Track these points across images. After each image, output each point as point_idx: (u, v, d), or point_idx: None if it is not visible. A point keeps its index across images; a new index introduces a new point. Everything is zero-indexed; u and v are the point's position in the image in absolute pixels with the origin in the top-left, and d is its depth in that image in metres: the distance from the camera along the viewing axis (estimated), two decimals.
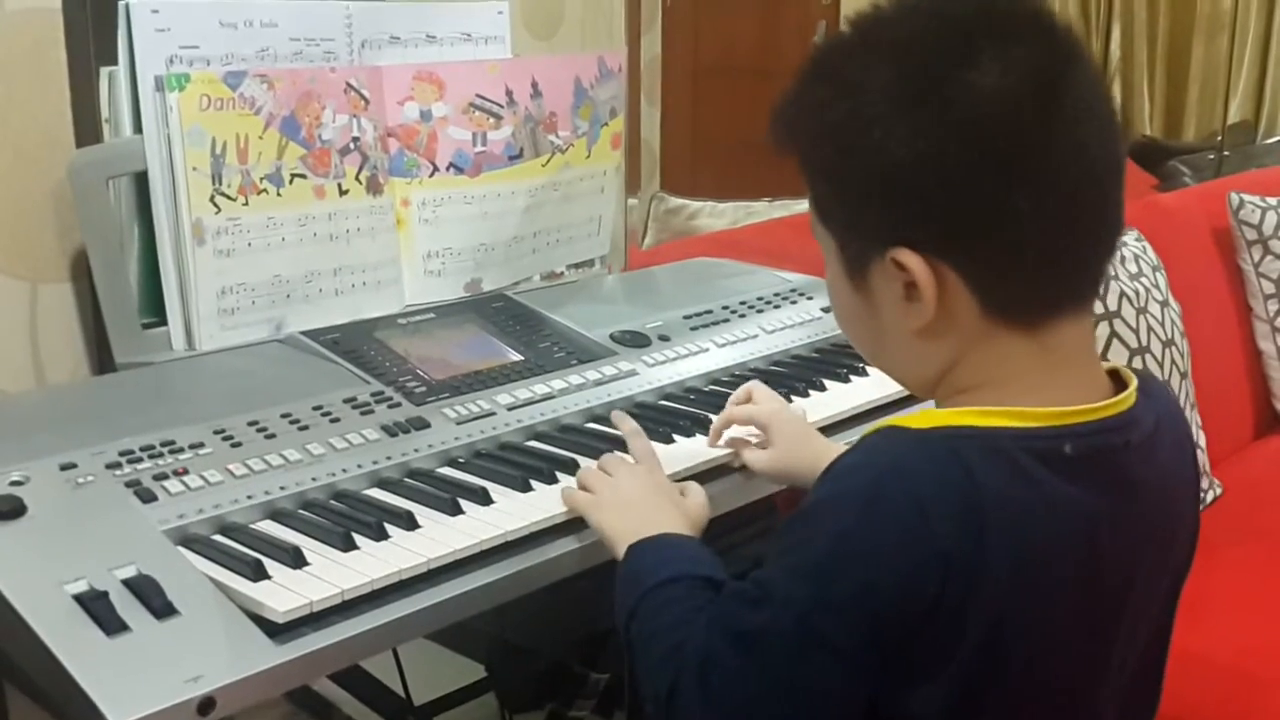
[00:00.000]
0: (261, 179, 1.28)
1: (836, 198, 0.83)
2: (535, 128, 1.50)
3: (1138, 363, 1.73)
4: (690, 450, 1.18)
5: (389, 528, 0.98)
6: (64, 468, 0.98)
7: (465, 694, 1.66)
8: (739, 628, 0.80)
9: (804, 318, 1.52)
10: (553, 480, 1.08)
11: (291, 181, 1.31)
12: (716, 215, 3.18)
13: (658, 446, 1.16)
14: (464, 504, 1.03)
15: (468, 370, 1.26)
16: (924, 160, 0.76)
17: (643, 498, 1.02)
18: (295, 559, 0.92)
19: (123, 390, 1.21)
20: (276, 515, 1.01)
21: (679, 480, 1.10)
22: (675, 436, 1.20)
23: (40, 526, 0.92)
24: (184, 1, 1.26)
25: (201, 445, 1.04)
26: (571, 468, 1.10)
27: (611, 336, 1.39)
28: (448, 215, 1.44)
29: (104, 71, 1.26)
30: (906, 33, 0.79)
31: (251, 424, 1.08)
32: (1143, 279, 1.83)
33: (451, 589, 0.95)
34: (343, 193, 1.35)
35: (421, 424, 1.15)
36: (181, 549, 0.93)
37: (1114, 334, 1.72)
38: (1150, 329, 1.77)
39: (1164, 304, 1.84)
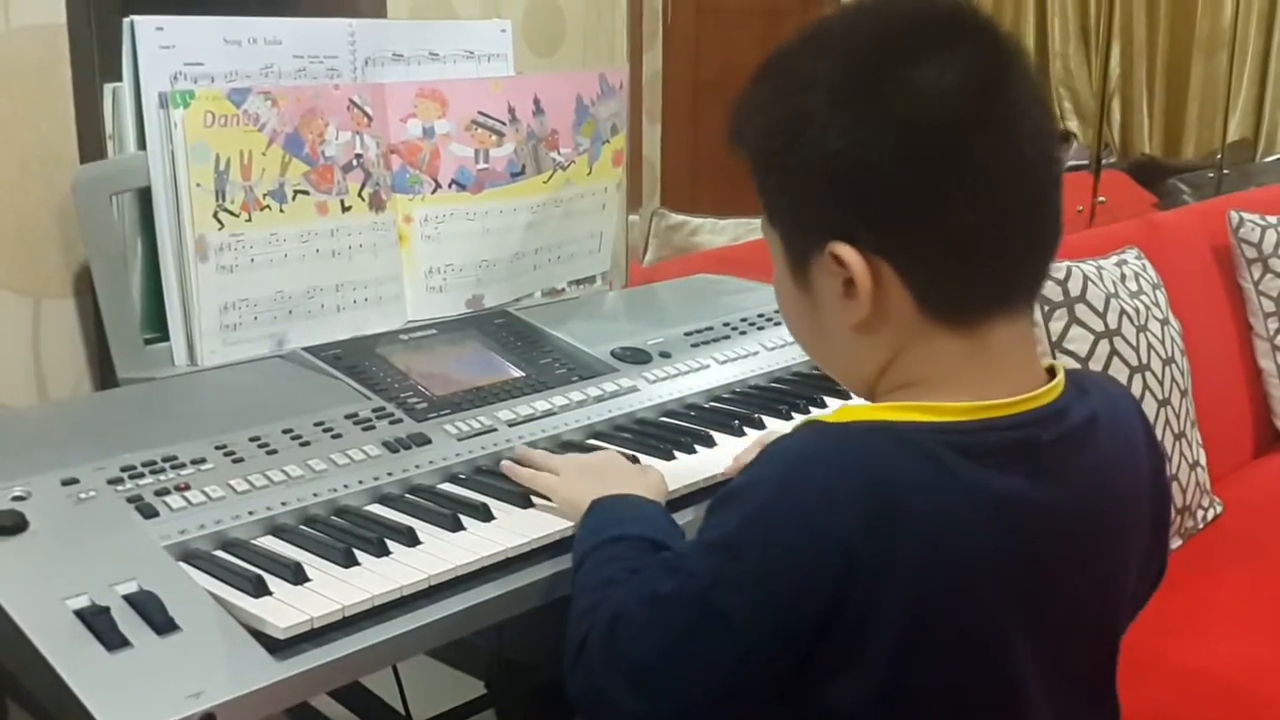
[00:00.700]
0: (265, 195, 1.28)
1: (779, 193, 0.85)
2: (537, 145, 1.51)
3: (1138, 380, 1.73)
4: (691, 467, 1.18)
5: (390, 544, 0.98)
6: (66, 483, 0.98)
7: (465, 711, 1.66)
8: (652, 590, 0.83)
9: None
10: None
11: (294, 198, 1.31)
12: (717, 232, 3.19)
13: (659, 463, 1.16)
14: (465, 520, 1.04)
15: (469, 386, 1.26)
16: (860, 154, 0.78)
17: (606, 466, 1.07)
18: (296, 575, 0.92)
19: (125, 405, 1.21)
20: (278, 531, 1.01)
21: (678, 498, 1.10)
22: (676, 453, 1.20)
23: (42, 542, 0.92)
24: (188, 19, 1.27)
25: (203, 461, 1.04)
26: None
27: (612, 353, 1.39)
28: (450, 232, 1.45)
29: (108, 88, 1.26)
30: (849, 33, 0.82)
31: (253, 440, 1.08)
32: (1143, 297, 1.83)
33: (452, 605, 0.95)
34: (345, 209, 1.36)
35: (423, 440, 1.15)
36: (183, 565, 0.93)
37: (1114, 351, 1.72)
38: (1150, 347, 1.77)
39: (1164, 322, 1.84)
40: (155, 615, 0.85)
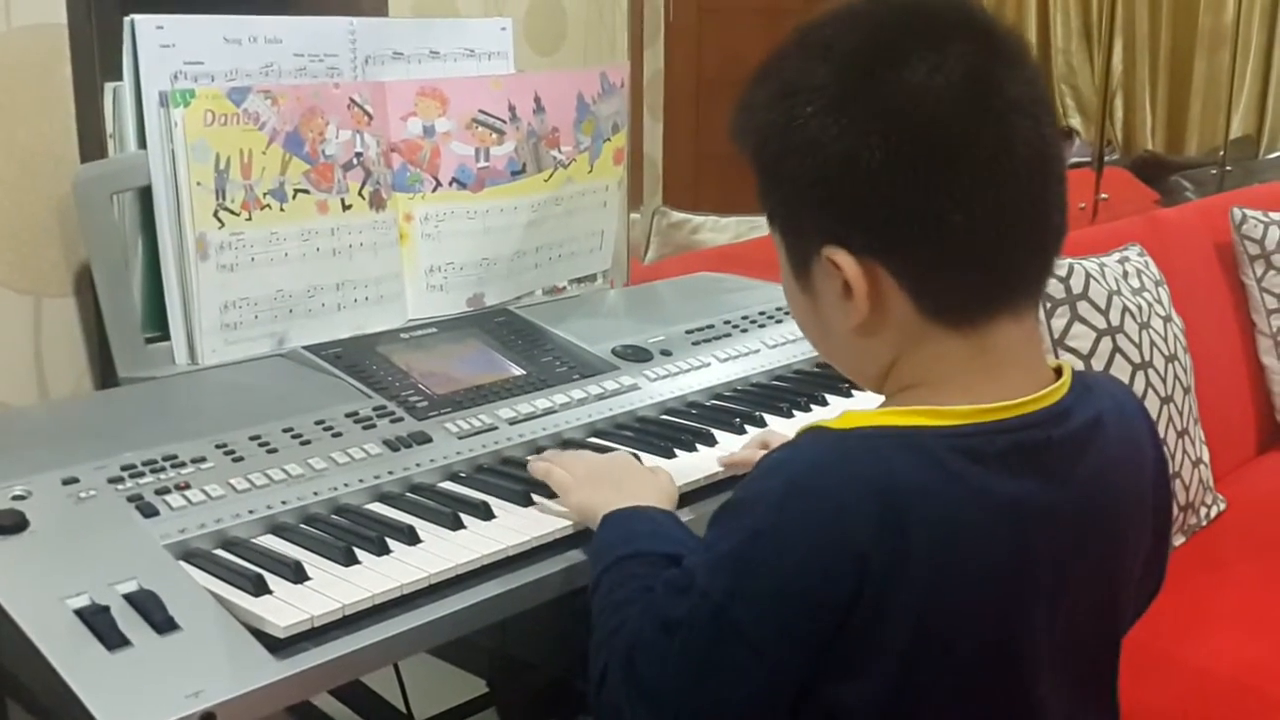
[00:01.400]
0: (265, 194, 1.28)
1: (777, 197, 0.84)
2: (538, 143, 1.51)
3: (1140, 378, 1.73)
4: (692, 464, 1.18)
5: (390, 542, 0.98)
6: (66, 482, 0.98)
7: (466, 709, 1.66)
8: (665, 615, 0.82)
9: None
10: (554, 495, 1.08)
11: (295, 197, 1.31)
12: (719, 230, 3.18)
13: (658, 461, 1.16)
14: (465, 519, 1.03)
15: (470, 385, 1.26)
16: (852, 157, 0.77)
17: (618, 472, 1.06)
18: (296, 574, 0.92)
19: (125, 404, 1.21)
20: (278, 530, 1.01)
21: (679, 496, 1.09)
22: (677, 451, 1.20)
23: (42, 541, 0.92)
24: (189, 17, 1.27)
25: (203, 460, 1.04)
26: None
27: (613, 351, 1.39)
28: (450, 230, 1.45)
29: (109, 87, 1.26)
30: (841, 34, 0.81)
31: (253, 438, 1.08)
32: (1145, 294, 1.83)
33: (453, 604, 0.94)
34: (346, 208, 1.36)
35: (423, 438, 1.15)
36: (183, 564, 0.93)
37: (1116, 349, 1.71)
38: (1153, 344, 1.76)
39: (1166, 319, 1.84)
40: (155, 614, 0.85)
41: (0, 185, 1.24)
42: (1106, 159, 3.60)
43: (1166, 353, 1.79)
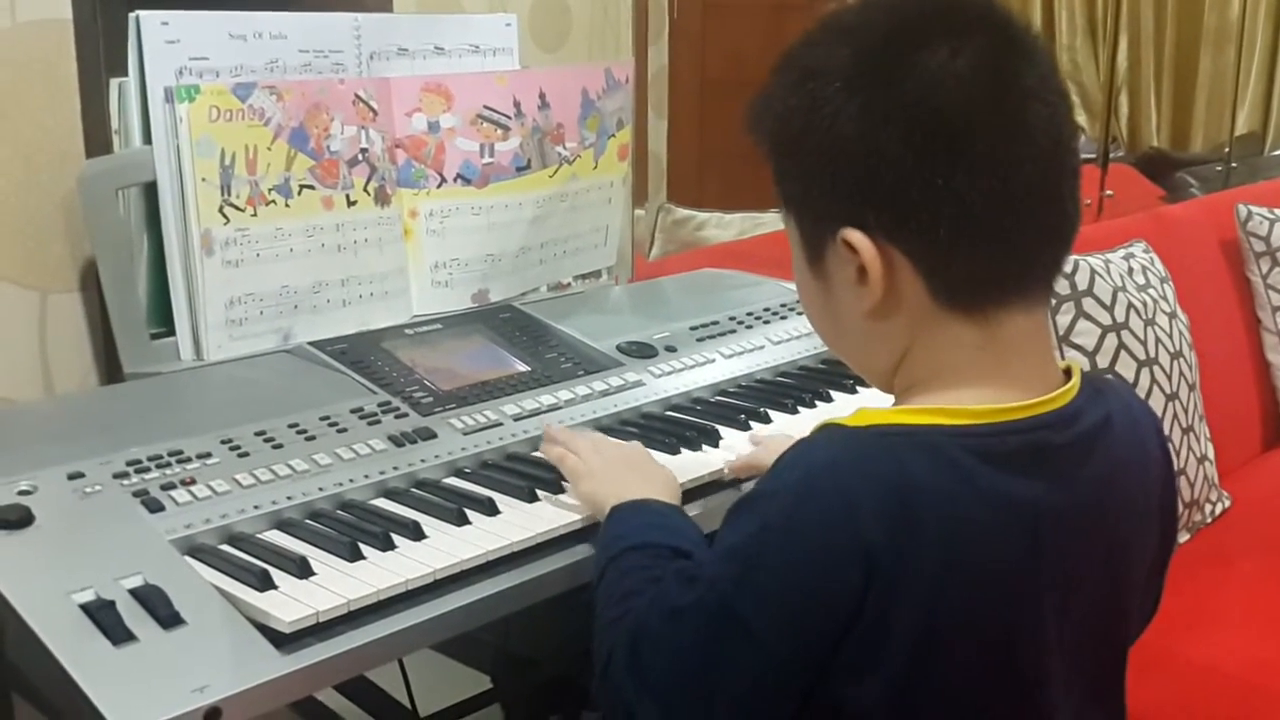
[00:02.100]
0: (270, 190, 1.28)
1: (793, 180, 0.84)
2: (543, 139, 1.51)
3: (1145, 375, 1.72)
4: (697, 461, 1.18)
5: (395, 538, 0.98)
6: (72, 477, 0.98)
7: (470, 705, 1.66)
8: (672, 604, 0.83)
9: (810, 329, 1.52)
10: (559, 491, 1.08)
11: (300, 192, 1.31)
12: (723, 226, 3.18)
13: (664, 457, 1.16)
14: (470, 514, 1.03)
15: (475, 381, 1.26)
16: (870, 139, 0.78)
17: (629, 464, 1.06)
18: (302, 569, 0.92)
19: (131, 400, 1.21)
20: (283, 525, 1.01)
21: (683, 493, 1.09)
22: (681, 448, 1.20)
23: (48, 536, 0.92)
24: (194, 13, 1.27)
25: (209, 455, 1.04)
26: None
27: (618, 347, 1.39)
28: (455, 226, 1.45)
29: (114, 83, 1.26)
30: (864, 22, 0.82)
31: (259, 434, 1.08)
32: (1150, 290, 1.82)
33: (457, 600, 0.95)
34: (351, 204, 1.36)
35: (428, 434, 1.15)
36: (188, 559, 0.93)
37: (1122, 345, 1.71)
38: (1158, 341, 1.76)
39: (1172, 316, 1.83)
40: (161, 609, 0.85)
41: (5, 181, 1.24)
42: (1111, 155, 3.60)
43: (1172, 349, 1.79)
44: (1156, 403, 1.71)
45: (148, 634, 0.83)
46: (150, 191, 1.25)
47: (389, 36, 1.44)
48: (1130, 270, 1.83)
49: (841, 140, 0.79)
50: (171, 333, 1.27)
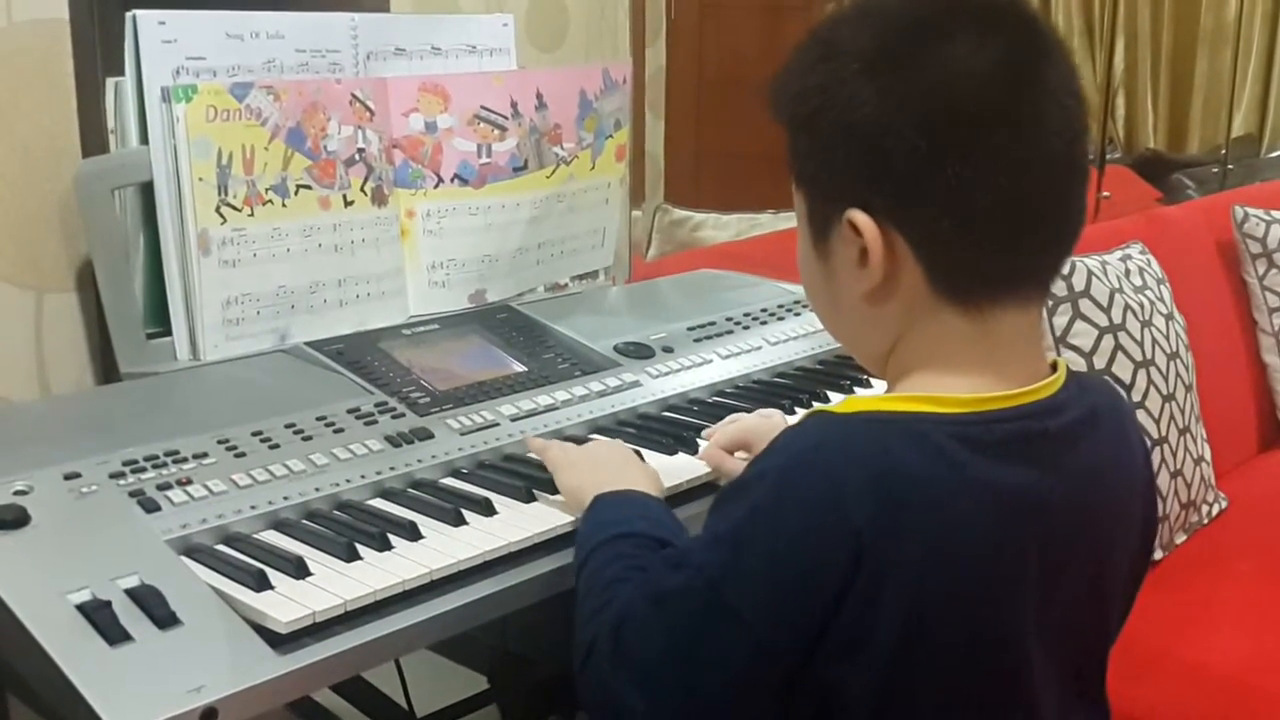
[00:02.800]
0: (267, 190, 1.28)
1: (806, 158, 0.85)
2: (540, 139, 1.51)
3: (1142, 376, 1.72)
4: (693, 462, 1.17)
5: (392, 538, 0.98)
6: (68, 477, 0.98)
7: (467, 705, 1.66)
8: (656, 590, 0.83)
9: (807, 329, 1.52)
10: (556, 492, 1.08)
11: (297, 192, 1.31)
12: (720, 227, 3.18)
13: (660, 458, 1.16)
14: (467, 515, 1.03)
15: (471, 381, 1.26)
16: (885, 122, 0.78)
17: (613, 458, 1.06)
18: (298, 569, 0.92)
19: (127, 400, 1.21)
20: (280, 525, 1.01)
21: (679, 493, 1.10)
22: (678, 449, 1.20)
23: (43, 536, 0.92)
24: (191, 13, 1.27)
25: (205, 455, 1.04)
26: None
27: (615, 348, 1.39)
28: (452, 226, 1.45)
29: (111, 82, 1.26)
30: (893, 7, 0.83)
31: (255, 434, 1.08)
32: (1147, 292, 1.83)
33: (454, 600, 0.95)
34: (348, 204, 1.35)
35: (425, 434, 1.15)
36: (184, 559, 0.93)
37: (1118, 347, 1.71)
38: (1155, 342, 1.76)
39: (1168, 317, 1.83)
40: (157, 609, 0.85)
41: (2, 180, 1.24)
42: (1108, 157, 3.60)
43: (1168, 351, 1.79)
44: (1153, 404, 1.72)
45: (144, 634, 0.83)
46: (147, 191, 1.25)
47: (386, 36, 1.44)
48: (1127, 271, 1.83)
49: (856, 121, 0.79)
50: (168, 333, 1.26)
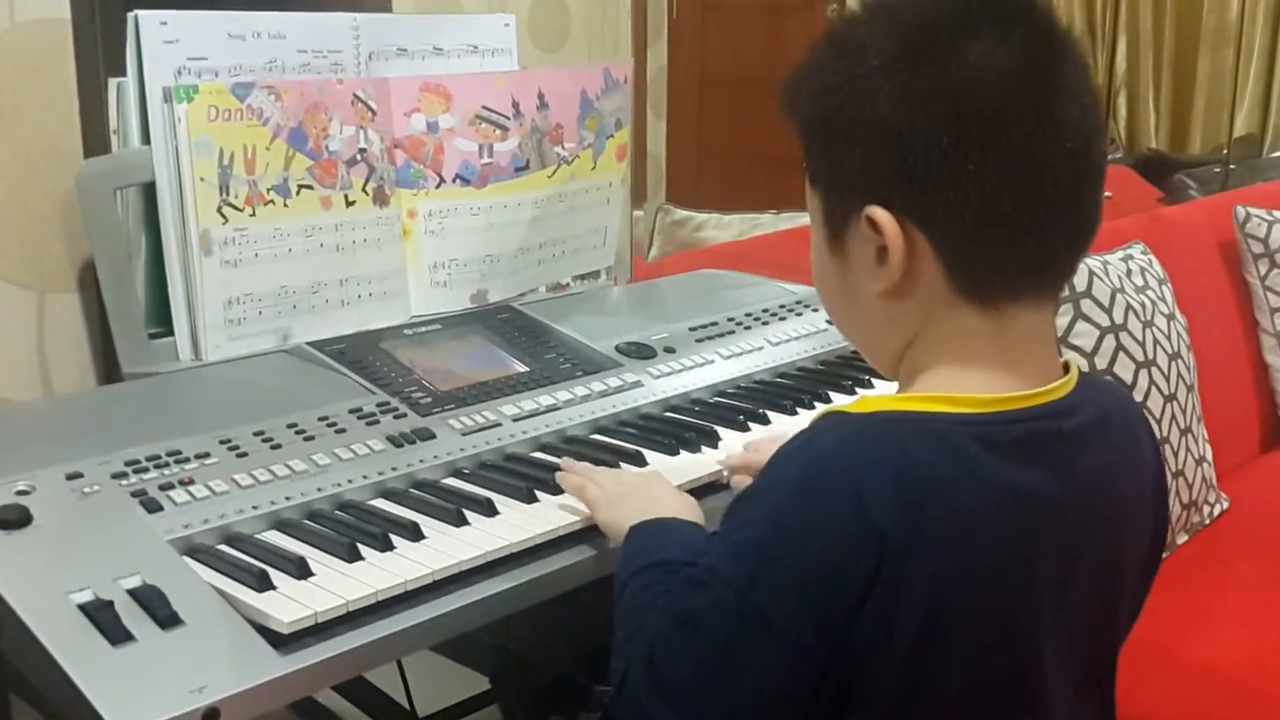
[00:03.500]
0: (269, 190, 1.28)
1: (823, 156, 0.85)
2: (541, 139, 1.51)
3: (1144, 376, 1.72)
4: (695, 462, 1.18)
5: (394, 539, 0.98)
6: (70, 477, 0.98)
7: (469, 706, 1.66)
8: (684, 611, 0.82)
9: (809, 330, 1.52)
10: (558, 491, 1.08)
11: (298, 192, 1.31)
12: (722, 227, 3.18)
13: (662, 458, 1.16)
14: (469, 515, 1.03)
15: (473, 381, 1.26)
16: (906, 117, 0.78)
17: (647, 489, 1.05)
18: (300, 570, 0.92)
19: (129, 400, 1.21)
20: (282, 526, 1.01)
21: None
22: (680, 449, 1.20)
23: (46, 536, 0.92)
24: (193, 13, 1.27)
25: (207, 455, 1.04)
26: None
27: (617, 348, 1.39)
28: (454, 226, 1.45)
29: (112, 82, 1.26)
30: (911, 4, 0.83)
31: (257, 434, 1.08)
32: (1149, 292, 1.82)
33: (456, 600, 0.95)
34: (349, 204, 1.36)
35: (427, 435, 1.15)
36: (187, 559, 0.93)
37: (1120, 347, 1.71)
38: (1156, 342, 1.76)
39: (1170, 317, 1.83)
40: (159, 609, 0.85)
41: (4, 181, 1.24)
42: (1110, 157, 3.59)
43: (1170, 351, 1.79)
44: (1155, 404, 1.72)
45: (146, 634, 0.83)
46: (149, 191, 1.25)
47: (388, 37, 1.44)
48: (1129, 272, 1.83)
49: (877, 117, 0.79)
50: (170, 333, 1.26)
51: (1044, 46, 0.80)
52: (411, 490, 1.09)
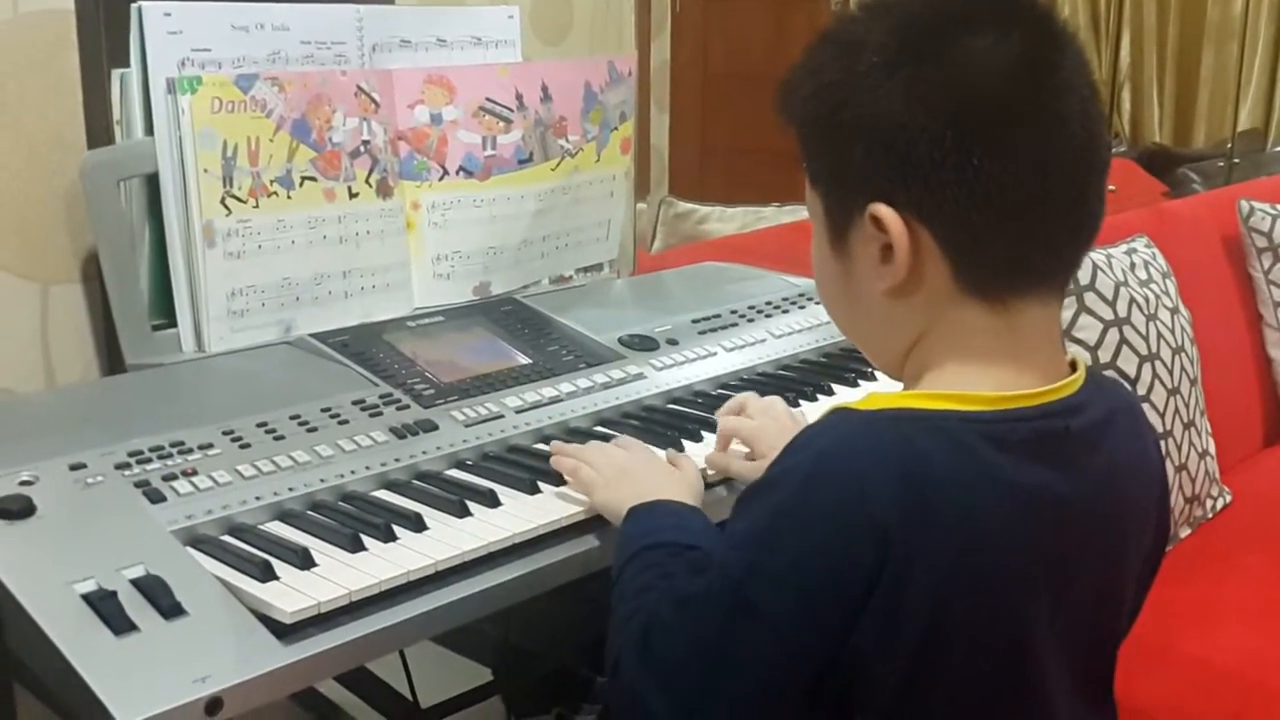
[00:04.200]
0: (272, 181, 1.28)
1: (824, 156, 0.85)
2: (545, 132, 1.51)
3: (1147, 370, 1.72)
4: (698, 454, 1.17)
5: (397, 529, 0.98)
6: (73, 468, 0.98)
7: (471, 697, 1.66)
8: (681, 593, 0.83)
9: (812, 322, 1.52)
10: (561, 483, 1.08)
11: (302, 184, 1.31)
12: (725, 220, 3.18)
13: (665, 451, 1.16)
14: (472, 506, 1.04)
15: (476, 373, 1.26)
16: (909, 114, 0.78)
17: (643, 467, 1.05)
18: (303, 560, 0.92)
19: (132, 391, 1.21)
20: (285, 516, 1.01)
21: None
22: (682, 441, 1.20)
23: (49, 526, 0.92)
24: (196, 4, 1.27)
25: (210, 446, 1.04)
26: None
27: (620, 340, 1.39)
28: (457, 218, 1.45)
29: (116, 73, 1.26)
30: (909, 3, 0.83)
31: (260, 425, 1.08)
32: (1153, 285, 1.82)
33: (459, 591, 0.95)
34: (353, 196, 1.36)
35: (430, 426, 1.15)
36: (190, 549, 0.93)
37: (1124, 340, 1.71)
38: (1160, 336, 1.76)
39: (1174, 311, 1.83)
40: (162, 600, 0.85)
41: (7, 172, 1.24)
42: (1114, 151, 3.59)
43: (1173, 344, 1.79)
44: (1158, 398, 1.71)
45: (149, 624, 0.83)
46: (152, 183, 1.25)
47: (391, 28, 1.44)
48: (1132, 265, 1.83)
49: (879, 115, 0.79)
50: (173, 324, 1.27)
51: (1044, 42, 0.80)
52: (414, 481, 1.09)
